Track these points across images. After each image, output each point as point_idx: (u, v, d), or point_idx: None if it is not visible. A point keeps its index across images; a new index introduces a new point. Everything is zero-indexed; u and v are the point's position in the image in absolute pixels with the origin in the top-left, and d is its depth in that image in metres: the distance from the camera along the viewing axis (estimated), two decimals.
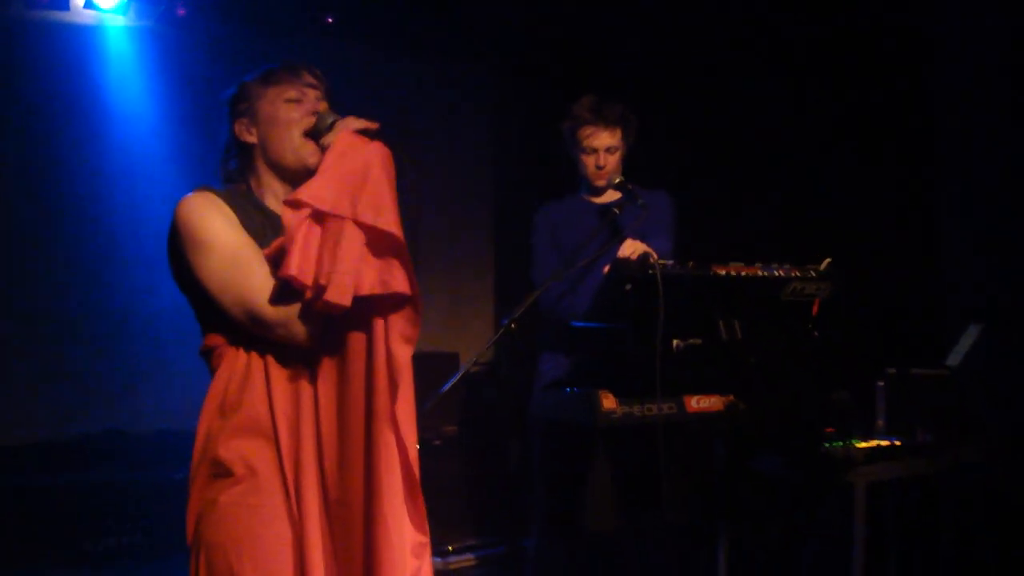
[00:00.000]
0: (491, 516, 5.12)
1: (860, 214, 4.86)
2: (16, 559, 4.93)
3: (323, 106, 2.36)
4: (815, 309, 3.12)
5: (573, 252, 3.59)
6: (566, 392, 3.17)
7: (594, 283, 3.42)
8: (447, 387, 3.22)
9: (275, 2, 5.69)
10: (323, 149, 2.23)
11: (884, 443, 3.85)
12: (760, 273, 3.01)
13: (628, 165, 3.89)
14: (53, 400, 5.58)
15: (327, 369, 2.15)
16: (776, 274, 3.04)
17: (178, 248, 2.19)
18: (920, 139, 4.76)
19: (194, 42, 5.80)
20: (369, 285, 2.04)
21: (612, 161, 3.80)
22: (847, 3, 4.92)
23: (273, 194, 2.34)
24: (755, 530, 4.13)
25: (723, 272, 2.95)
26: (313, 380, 2.15)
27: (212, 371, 2.23)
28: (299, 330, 2.08)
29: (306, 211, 2.06)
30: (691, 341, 2.97)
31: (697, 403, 3.11)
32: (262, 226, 2.23)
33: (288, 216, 2.06)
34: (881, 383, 3.82)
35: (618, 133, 3.77)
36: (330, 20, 5.81)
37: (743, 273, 2.98)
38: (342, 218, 2.05)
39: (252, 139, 2.36)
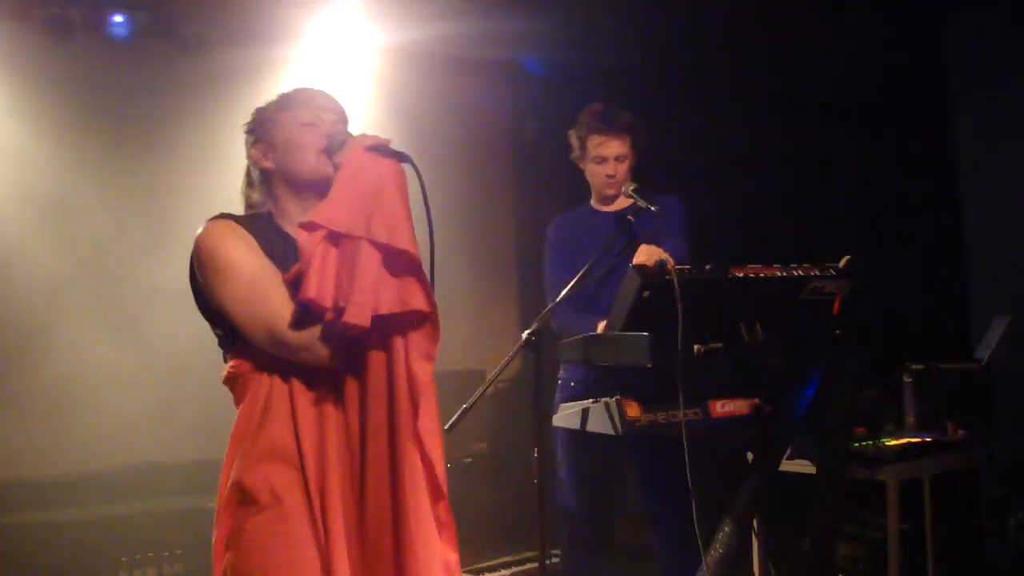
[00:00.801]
0: (523, 531, 5.11)
1: (881, 208, 4.84)
2: None
3: (336, 126, 2.37)
4: (836, 307, 3.10)
5: (588, 263, 3.58)
6: (589, 402, 3.17)
7: (611, 292, 3.42)
8: (470, 404, 3.23)
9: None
10: (336, 167, 2.23)
11: (915, 440, 3.83)
12: (778, 273, 2.99)
13: (640, 169, 3.87)
14: (86, 432, 5.61)
15: (350, 391, 2.15)
16: (795, 274, 3.02)
17: (200, 276, 2.21)
18: (943, 131, 4.74)
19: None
20: (387, 304, 2.05)
21: (622, 170, 3.79)
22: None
23: (291, 219, 2.34)
24: (788, 533, 4.09)
25: (741, 274, 2.93)
26: (337, 403, 2.16)
27: (236, 399, 2.24)
28: (322, 352, 2.09)
29: (321, 233, 2.07)
30: (712, 345, 2.95)
31: (722, 407, 3.10)
32: (283, 251, 2.24)
33: (304, 239, 2.08)
34: (908, 379, 3.80)
35: (627, 141, 3.76)
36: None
37: (761, 274, 2.96)
38: (357, 238, 2.06)
39: (270, 164, 2.37)
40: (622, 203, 3.86)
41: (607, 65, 5.84)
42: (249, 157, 2.41)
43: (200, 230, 2.23)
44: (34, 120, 5.65)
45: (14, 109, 5.62)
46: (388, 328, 2.09)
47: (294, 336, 2.09)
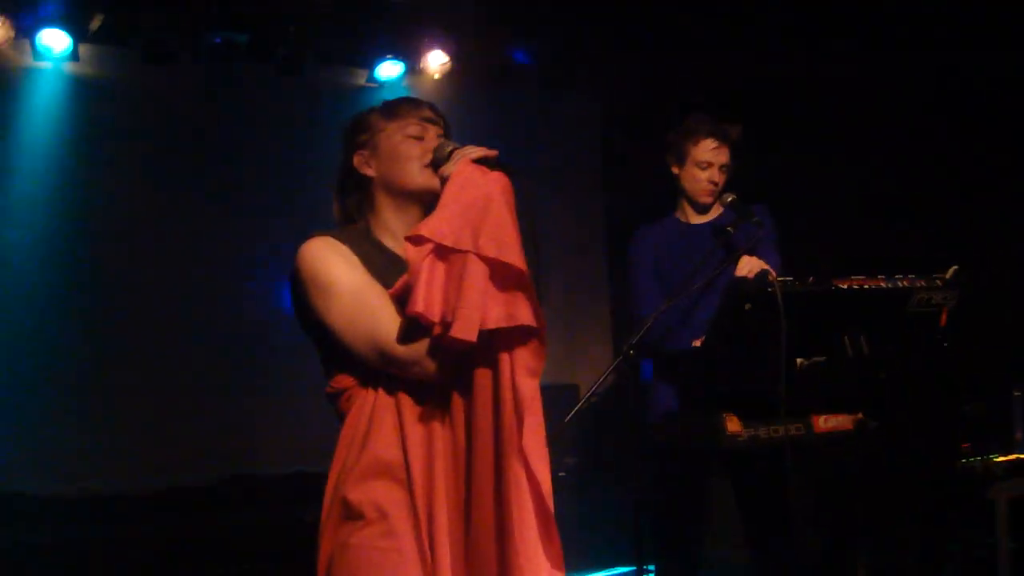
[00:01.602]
0: (617, 546, 5.08)
1: (990, 217, 4.71)
2: None
3: (441, 139, 2.34)
4: (943, 319, 3.02)
5: (678, 275, 3.52)
6: (688, 417, 3.13)
7: (710, 306, 3.38)
8: (570, 417, 3.22)
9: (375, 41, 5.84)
10: (443, 180, 2.21)
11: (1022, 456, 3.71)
12: (884, 285, 2.93)
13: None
14: (183, 445, 5.73)
15: (456, 406, 2.14)
16: (900, 285, 2.95)
17: (302, 293, 2.21)
18: None
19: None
20: (495, 319, 2.03)
21: (723, 177, 3.74)
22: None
23: (391, 232, 2.34)
24: (892, 552, 4.00)
25: (845, 286, 2.87)
26: (444, 418, 2.15)
27: (340, 413, 2.24)
28: (430, 366, 2.08)
29: (428, 246, 2.06)
30: (815, 359, 2.90)
31: (825, 422, 3.04)
32: (382, 265, 2.23)
33: (411, 252, 2.07)
34: (1018, 393, 3.69)
35: (729, 150, 3.72)
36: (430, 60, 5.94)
37: (866, 286, 2.90)
38: (465, 252, 2.04)
39: (371, 172, 2.36)
40: (713, 213, 3.81)
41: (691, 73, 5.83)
42: (348, 162, 2.39)
43: (300, 250, 2.23)
44: (135, 142, 5.81)
45: (116, 131, 5.79)
46: (495, 343, 2.07)
47: (402, 351, 2.08)
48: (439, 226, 2.07)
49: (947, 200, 4.95)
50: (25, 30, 5.39)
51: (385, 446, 2.15)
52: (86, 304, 5.74)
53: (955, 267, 3.02)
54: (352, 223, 2.40)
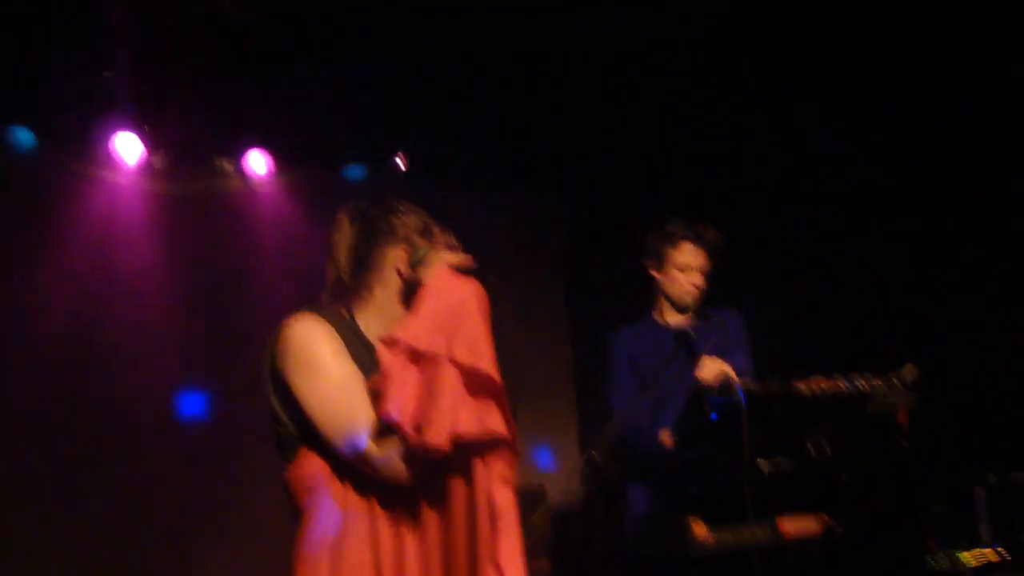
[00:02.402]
0: None
1: (950, 312, 4.79)
2: None
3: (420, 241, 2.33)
4: (903, 418, 3.06)
5: (650, 378, 3.55)
6: (656, 523, 3.13)
7: (675, 409, 3.40)
8: (535, 518, 3.20)
9: (342, 143, 5.91)
10: (415, 284, 2.22)
11: (988, 551, 3.72)
12: (843, 387, 2.97)
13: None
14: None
15: (429, 514, 2.10)
16: (859, 386, 2.99)
17: (285, 368, 2.16)
18: (1007, 228, 4.71)
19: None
20: (466, 425, 2.00)
21: (703, 282, 3.78)
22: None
23: (370, 324, 2.29)
24: None
25: (806, 389, 2.92)
26: (416, 527, 2.11)
27: (297, 499, 2.16)
28: (401, 470, 2.05)
29: (402, 349, 2.05)
30: (779, 461, 2.93)
31: (793, 526, 3.04)
32: (363, 356, 2.20)
33: (385, 355, 2.06)
34: (981, 490, 3.72)
35: (708, 255, 3.78)
36: (399, 160, 6.01)
37: (826, 388, 2.95)
38: (438, 357, 2.04)
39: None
40: (684, 317, 3.84)
41: (657, 175, 5.94)
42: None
43: (290, 323, 2.19)
44: None
45: None
46: (467, 451, 2.04)
47: (375, 451, 2.05)
48: (414, 330, 2.07)
49: (906, 295, 5.03)
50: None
51: (359, 550, 2.07)
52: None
53: (910, 365, 3.07)
54: (337, 302, 2.34)
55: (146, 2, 4.71)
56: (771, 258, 5.49)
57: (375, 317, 2.31)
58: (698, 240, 3.75)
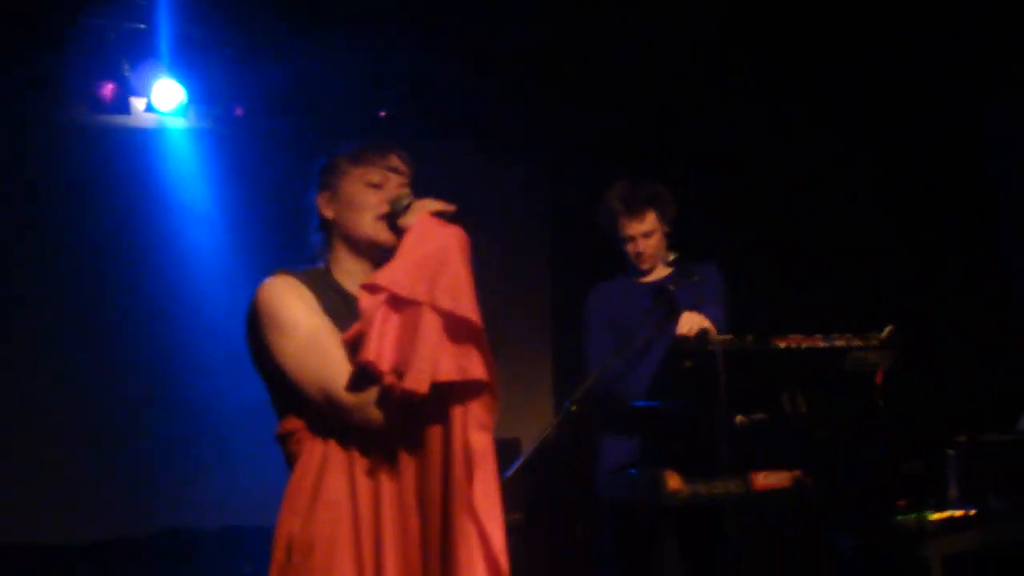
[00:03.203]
0: None
1: (925, 277, 4.81)
2: None
3: (403, 189, 2.34)
4: (879, 378, 3.08)
5: (628, 333, 3.56)
6: (631, 474, 3.15)
7: (652, 363, 3.41)
8: (509, 474, 3.21)
9: (329, 98, 5.85)
10: (399, 231, 2.22)
11: (958, 513, 3.76)
12: (821, 344, 2.98)
13: (677, 238, 3.88)
14: (115, 497, 5.61)
15: (406, 459, 2.12)
16: (836, 344, 3.01)
17: (258, 331, 2.19)
18: (985, 197, 4.73)
19: (252, 140, 5.96)
20: (446, 371, 2.01)
21: (651, 244, 3.79)
22: (899, 65, 4.94)
23: (349, 275, 2.32)
24: None
25: (783, 344, 2.93)
26: (393, 471, 2.12)
27: (289, 456, 2.20)
28: (376, 415, 2.06)
29: (383, 295, 2.06)
30: (755, 416, 2.94)
31: (764, 479, 3.07)
32: (339, 308, 2.22)
33: (365, 300, 2.07)
34: (952, 452, 3.75)
35: (650, 216, 3.76)
36: (383, 114, 5.96)
37: (803, 345, 2.96)
38: (419, 303, 2.05)
39: (330, 215, 2.35)
40: (661, 272, 3.86)
41: (635, 133, 5.92)
42: (314, 201, 2.38)
43: (260, 287, 2.22)
44: None
45: None
46: (446, 396, 2.05)
47: (348, 397, 2.06)
48: (395, 276, 2.08)
49: (886, 257, 5.05)
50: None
51: (337, 496, 2.10)
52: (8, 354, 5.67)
53: (890, 327, 3.08)
54: (312, 263, 2.38)
55: None
56: (752, 221, 5.50)
57: (354, 267, 2.33)
58: (629, 212, 3.75)
